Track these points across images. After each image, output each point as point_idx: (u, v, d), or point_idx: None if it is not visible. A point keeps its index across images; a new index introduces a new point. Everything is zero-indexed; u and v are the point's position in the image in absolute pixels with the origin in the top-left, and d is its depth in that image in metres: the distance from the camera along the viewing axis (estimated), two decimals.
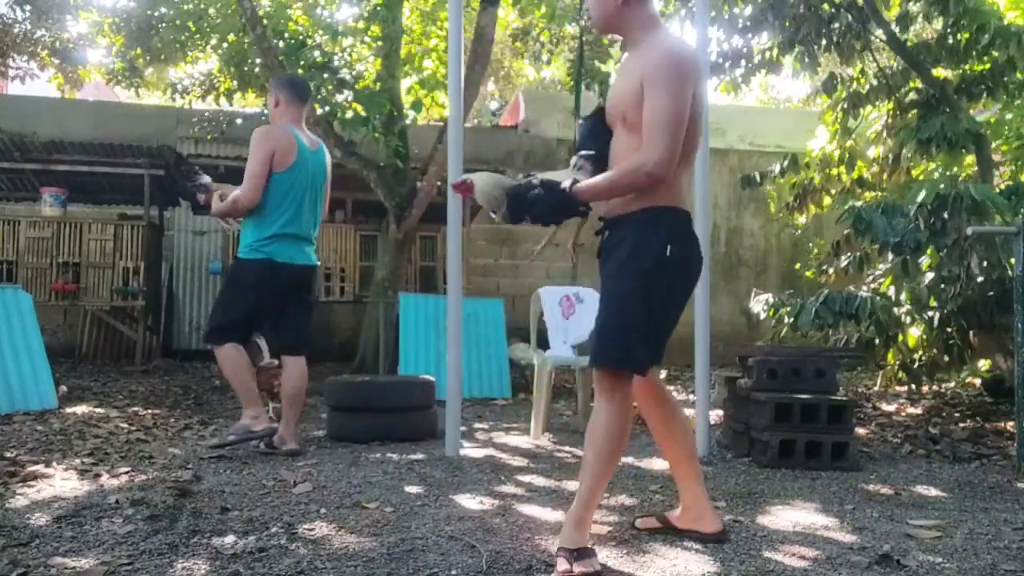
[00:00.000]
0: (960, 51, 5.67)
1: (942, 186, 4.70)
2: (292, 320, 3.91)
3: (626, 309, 2.29)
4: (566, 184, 2.35)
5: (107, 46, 10.13)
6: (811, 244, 8.86)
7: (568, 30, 10.33)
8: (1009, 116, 6.34)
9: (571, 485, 3.25)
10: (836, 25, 6.10)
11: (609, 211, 2.41)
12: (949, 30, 5.68)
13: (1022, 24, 5.63)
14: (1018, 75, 5.47)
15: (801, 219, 7.49)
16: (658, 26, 2.39)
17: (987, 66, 5.67)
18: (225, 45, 8.78)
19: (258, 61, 8.32)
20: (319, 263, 4.04)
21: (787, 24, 6.13)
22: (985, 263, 4.60)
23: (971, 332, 5.15)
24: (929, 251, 4.83)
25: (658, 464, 3.80)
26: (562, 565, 2.12)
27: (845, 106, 6.70)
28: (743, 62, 6.64)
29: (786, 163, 6.99)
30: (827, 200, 7.09)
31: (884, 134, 6.64)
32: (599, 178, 2.33)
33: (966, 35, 5.52)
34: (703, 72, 2.37)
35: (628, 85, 2.30)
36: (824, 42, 6.18)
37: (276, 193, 3.74)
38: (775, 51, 6.48)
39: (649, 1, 2.40)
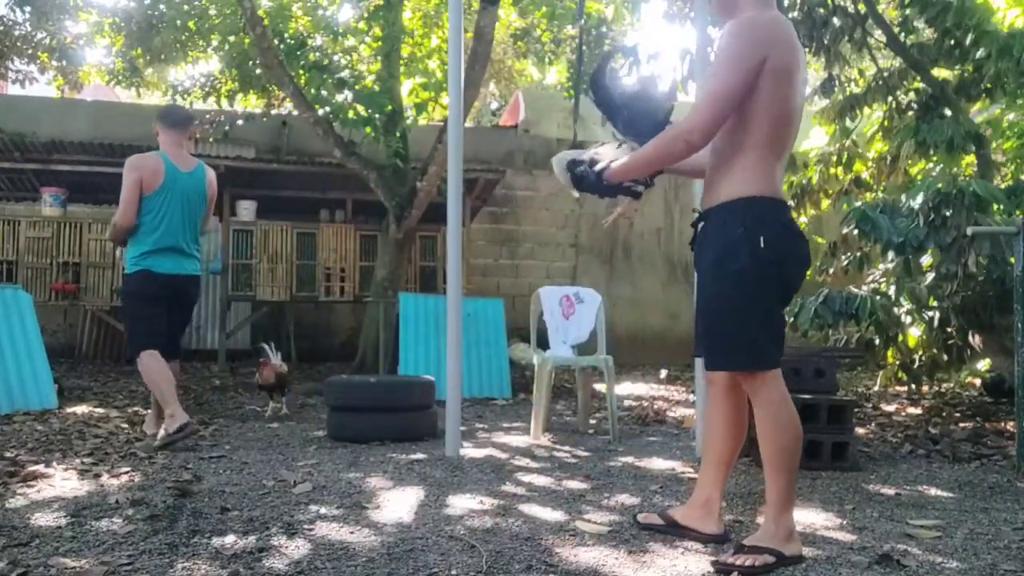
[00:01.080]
0: (957, 54, 5.67)
1: (940, 184, 4.70)
2: (170, 327, 4.29)
3: (726, 311, 2.26)
4: (601, 166, 2.37)
5: (107, 46, 10.13)
6: (819, 240, 8.84)
7: (569, 31, 10.33)
8: (1012, 116, 6.35)
9: (571, 485, 3.26)
10: (828, 28, 6.10)
11: (704, 202, 2.36)
12: (943, 38, 5.68)
13: (1012, 26, 5.62)
14: (1009, 81, 5.47)
15: (803, 219, 7.49)
16: (763, 8, 2.30)
17: (970, 69, 5.66)
18: (226, 46, 8.77)
19: (258, 61, 8.33)
20: (200, 273, 4.43)
21: None
22: (987, 261, 4.59)
23: (971, 332, 5.15)
24: (931, 250, 4.83)
25: (658, 464, 3.80)
26: (767, 559, 2.14)
27: (843, 107, 6.70)
28: None
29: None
30: (825, 201, 7.09)
31: (882, 134, 6.64)
32: (633, 154, 2.30)
33: (953, 41, 5.52)
34: (784, 40, 2.22)
35: None
36: (815, 45, 6.18)
37: (148, 213, 4.18)
38: None
39: None
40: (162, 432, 3.96)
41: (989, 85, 5.53)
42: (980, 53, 5.22)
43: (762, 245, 2.20)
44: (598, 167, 2.38)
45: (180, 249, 4.26)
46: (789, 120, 2.27)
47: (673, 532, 2.51)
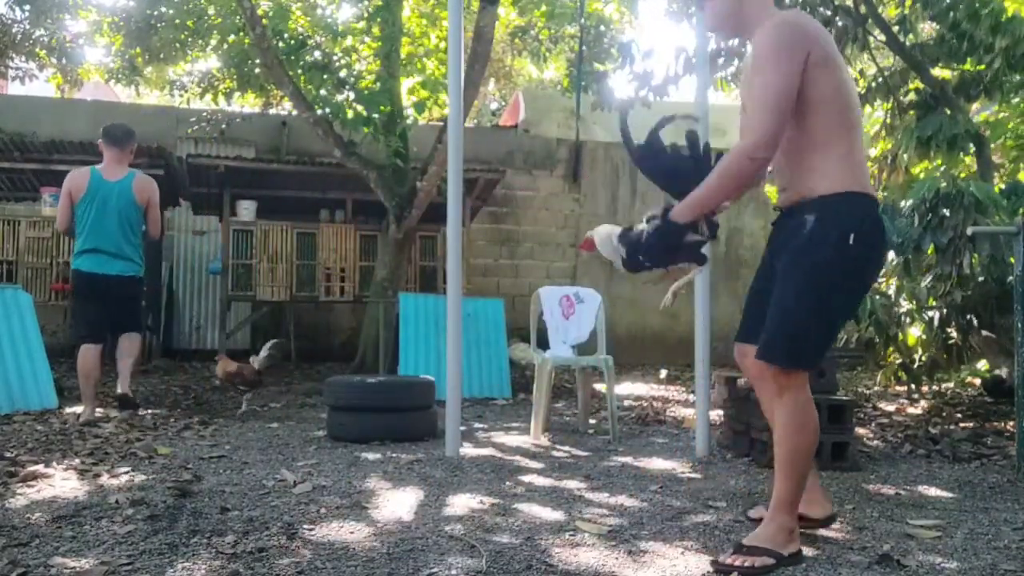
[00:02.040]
0: (959, 52, 5.67)
1: (943, 183, 4.70)
2: (117, 319, 4.83)
3: (798, 307, 2.21)
4: (657, 211, 2.27)
5: (106, 45, 10.13)
6: None
7: (568, 29, 10.33)
8: (1004, 114, 6.34)
9: (571, 485, 3.26)
10: (831, 28, 6.10)
11: (785, 200, 2.32)
12: (949, 32, 5.67)
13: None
14: (1016, 75, 5.46)
15: None
16: (772, 16, 2.30)
17: (982, 67, 5.66)
18: (225, 45, 8.78)
19: (258, 61, 8.33)
20: (133, 273, 4.82)
21: None
22: (988, 262, 4.59)
23: (971, 332, 5.15)
24: (930, 250, 4.83)
25: (658, 464, 3.80)
26: (765, 560, 2.14)
27: None
28: (736, 61, 6.64)
29: None
30: None
31: (883, 134, 6.64)
32: (697, 188, 2.22)
33: (956, 37, 5.50)
34: (819, 32, 2.23)
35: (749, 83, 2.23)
36: None
37: (78, 220, 4.73)
38: None
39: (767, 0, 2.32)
40: (83, 417, 4.56)
41: (998, 75, 5.49)
42: (1000, 42, 5.17)
43: (851, 242, 2.16)
44: (656, 211, 2.27)
45: (106, 251, 4.67)
46: (849, 106, 2.24)
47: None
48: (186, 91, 9.93)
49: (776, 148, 2.16)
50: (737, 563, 2.15)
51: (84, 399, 4.66)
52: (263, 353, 5.96)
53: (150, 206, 4.83)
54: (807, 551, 2.32)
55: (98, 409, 4.92)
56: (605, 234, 2.46)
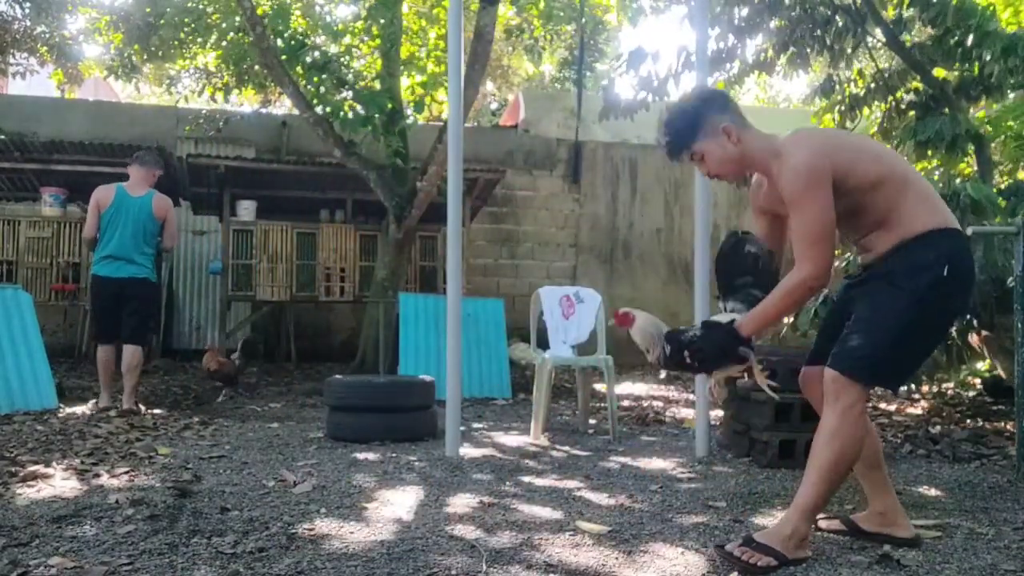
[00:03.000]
0: (957, 54, 5.67)
1: (939, 185, 4.70)
2: (124, 320, 5.16)
3: (889, 324, 2.22)
4: (724, 318, 2.35)
5: (106, 44, 10.14)
6: None
7: (566, 28, 10.33)
8: (1004, 113, 6.34)
9: (571, 484, 3.26)
10: (831, 27, 6.10)
11: (867, 258, 2.36)
12: (943, 37, 5.67)
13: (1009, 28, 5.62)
14: (1011, 80, 5.45)
15: None
16: (770, 140, 2.37)
17: (975, 70, 5.65)
18: (224, 43, 8.77)
19: (258, 61, 8.33)
20: (145, 275, 5.23)
21: (781, 24, 6.13)
22: (981, 262, 4.59)
23: (971, 332, 5.15)
24: None
25: (657, 463, 3.80)
26: (769, 561, 2.14)
27: (843, 108, 6.69)
28: (736, 62, 6.64)
29: None
30: None
31: (881, 135, 6.63)
32: (760, 306, 2.29)
33: (953, 41, 5.51)
34: (833, 141, 2.35)
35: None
36: (817, 45, 6.17)
37: (101, 230, 5.23)
38: (769, 52, 6.48)
39: (747, 123, 2.39)
40: (101, 403, 5.11)
41: (993, 81, 5.49)
42: (986, 56, 5.20)
43: (946, 273, 2.19)
44: (723, 319, 2.35)
45: (121, 257, 5.16)
46: (888, 178, 2.27)
47: (858, 536, 2.48)
48: (185, 88, 9.93)
49: (829, 272, 2.23)
50: (744, 556, 2.15)
51: (102, 388, 5.21)
52: (236, 354, 6.34)
53: (167, 221, 5.36)
54: (808, 551, 2.32)
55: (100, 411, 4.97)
56: (648, 323, 2.51)
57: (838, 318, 2.42)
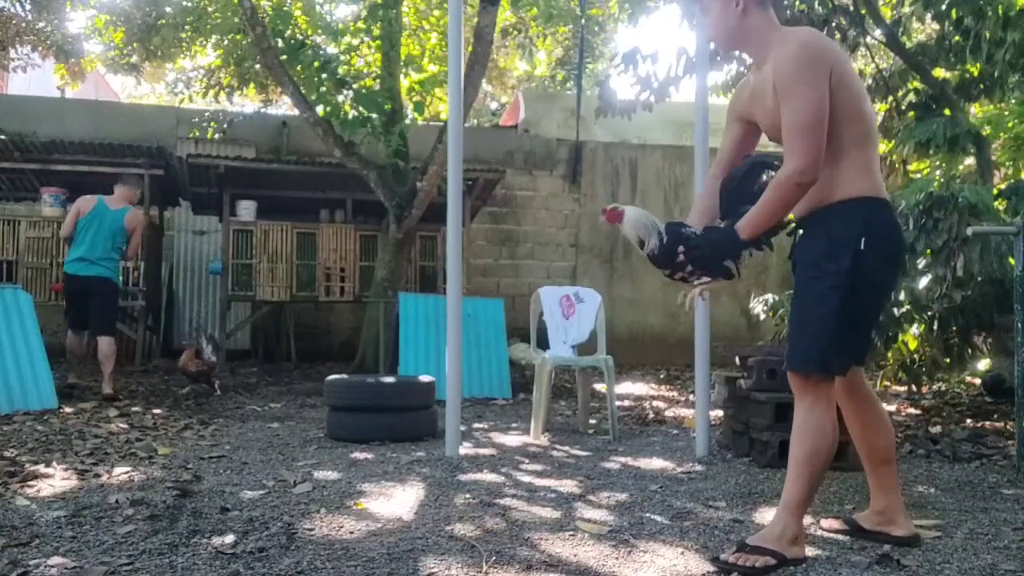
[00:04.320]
0: (961, 51, 5.66)
1: (935, 185, 4.69)
2: (91, 314, 5.90)
3: (819, 312, 2.23)
4: (726, 223, 2.33)
5: (106, 44, 10.14)
6: None
7: (563, 28, 10.32)
8: (1005, 112, 6.34)
9: (571, 484, 3.26)
10: (827, 28, 6.09)
11: (802, 211, 2.33)
12: (953, 30, 5.66)
13: None
14: (1015, 75, 5.44)
15: None
16: (779, 31, 2.33)
17: (975, 70, 5.64)
18: (225, 43, 8.78)
19: (258, 59, 8.33)
20: (106, 275, 5.92)
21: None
22: (984, 264, 4.59)
23: (971, 332, 5.15)
24: (928, 252, 4.83)
25: (657, 463, 3.80)
26: (768, 561, 2.14)
27: None
28: (735, 63, 6.64)
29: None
30: None
31: (881, 135, 6.63)
32: (752, 208, 2.27)
33: (957, 38, 5.49)
34: (835, 49, 2.28)
35: (772, 104, 2.26)
36: None
37: (78, 232, 5.93)
38: None
39: (767, 7, 2.34)
40: (69, 380, 5.91)
41: (995, 81, 5.46)
42: (1012, 36, 5.13)
43: (862, 247, 2.20)
44: (723, 223, 2.32)
45: (90, 259, 5.86)
46: (865, 117, 2.28)
47: (859, 536, 2.48)
48: (187, 88, 9.93)
49: (819, 168, 2.18)
50: (740, 562, 2.15)
51: (70, 368, 5.98)
52: (207, 348, 6.48)
53: (134, 233, 6.11)
54: (808, 551, 2.32)
55: (98, 410, 4.97)
56: (638, 215, 2.46)
57: None
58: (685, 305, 2.53)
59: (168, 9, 9.06)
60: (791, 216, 2.38)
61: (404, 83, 8.75)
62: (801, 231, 2.39)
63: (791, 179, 2.18)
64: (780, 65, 2.23)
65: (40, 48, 10.43)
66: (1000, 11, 5.19)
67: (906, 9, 5.97)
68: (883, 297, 2.37)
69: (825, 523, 2.60)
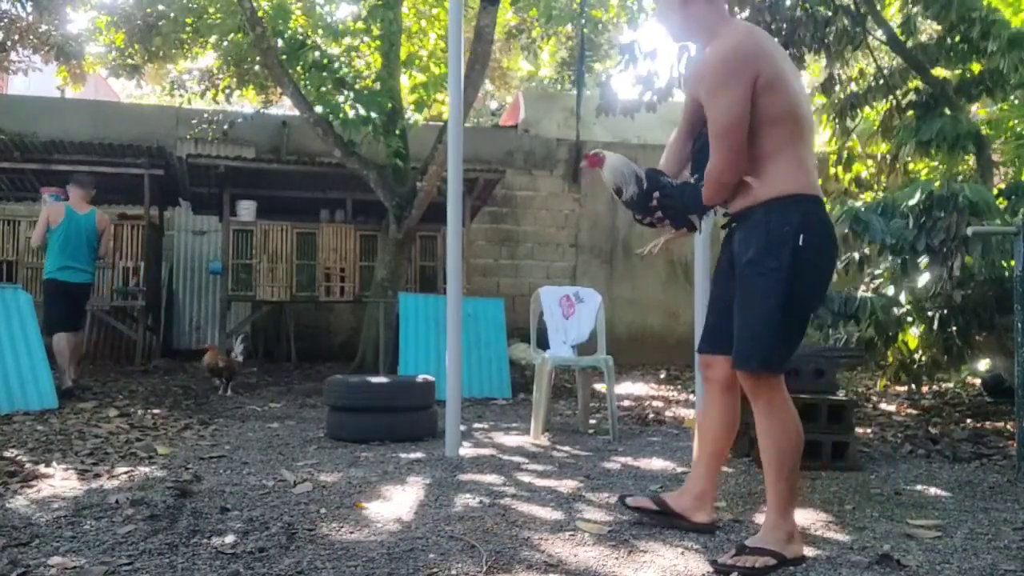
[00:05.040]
0: (960, 52, 5.66)
1: (936, 184, 4.69)
2: (76, 316, 6.32)
3: (765, 308, 2.26)
4: (695, 178, 2.46)
5: (107, 44, 10.14)
6: None
7: (565, 28, 10.32)
8: (1006, 112, 6.33)
9: (571, 484, 3.26)
10: (831, 28, 6.09)
11: (737, 206, 2.38)
12: (948, 33, 5.67)
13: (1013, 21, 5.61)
14: (1017, 73, 5.44)
15: None
16: (727, 23, 2.38)
17: (980, 66, 5.64)
18: (225, 43, 8.78)
19: (258, 59, 8.33)
20: (88, 281, 6.31)
21: (782, 26, 6.13)
22: (984, 263, 4.59)
23: (971, 332, 5.14)
24: (927, 252, 4.83)
25: (657, 463, 3.80)
26: (767, 561, 2.15)
27: (843, 107, 6.69)
28: None
29: None
30: (826, 201, 7.07)
31: (882, 134, 6.63)
32: (704, 184, 2.39)
33: (958, 37, 5.50)
34: (769, 52, 2.30)
35: (702, 94, 2.33)
36: (816, 45, 6.17)
37: (53, 241, 6.17)
38: None
39: (718, 6, 2.39)
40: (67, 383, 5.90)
41: (1002, 72, 5.45)
42: (991, 47, 5.18)
43: (801, 243, 2.23)
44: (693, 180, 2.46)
45: (75, 266, 6.16)
46: (797, 118, 2.31)
47: (662, 517, 2.55)
48: (187, 91, 9.93)
49: (740, 167, 2.26)
50: (739, 563, 2.16)
51: (67, 371, 6.03)
52: (238, 348, 6.84)
53: (104, 234, 6.40)
54: (807, 551, 2.32)
55: (98, 410, 4.97)
56: (618, 161, 2.57)
57: (724, 292, 2.47)
58: (644, 251, 2.72)
59: (162, 7, 9.05)
60: (727, 210, 2.46)
61: (405, 84, 8.76)
62: (736, 225, 2.43)
63: (714, 177, 2.29)
64: (709, 63, 2.31)
65: (42, 51, 10.43)
66: (982, 19, 5.21)
67: (911, 9, 5.97)
68: (821, 293, 2.42)
69: (631, 500, 2.64)
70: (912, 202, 4.65)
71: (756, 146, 2.27)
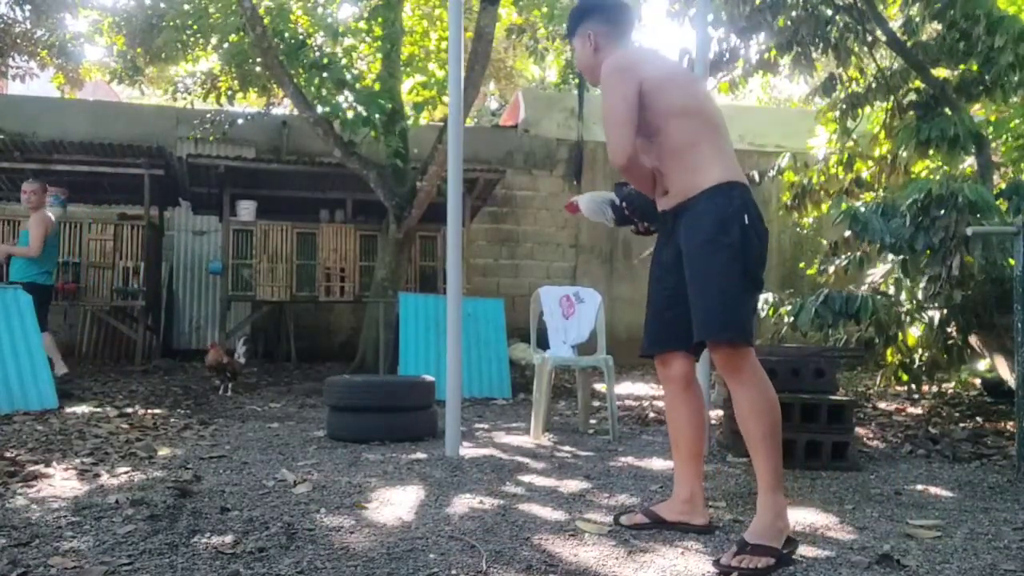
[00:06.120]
0: (960, 52, 5.65)
1: (935, 184, 4.69)
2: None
3: (727, 281, 2.35)
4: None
5: (107, 46, 10.13)
6: (821, 239, 8.82)
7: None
8: (1005, 113, 6.33)
9: (571, 484, 3.26)
10: (833, 27, 6.09)
11: (671, 202, 2.52)
12: (948, 32, 5.66)
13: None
14: (1016, 75, 5.43)
15: (808, 219, 7.47)
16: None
17: (975, 68, 5.63)
18: (226, 45, 8.78)
19: (258, 61, 8.33)
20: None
21: (783, 24, 6.13)
22: (984, 262, 4.59)
23: (971, 332, 5.14)
24: (928, 251, 4.83)
25: (658, 464, 3.80)
26: (768, 561, 2.17)
27: (844, 107, 6.69)
28: (740, 62, 6.63)
29: (783, 163, 6.97)
30: (826, 202, 7.07)
31: (883, 134, 6.62)
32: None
33: (957, 36, 5.49)
34: (650, 60, 2.58)
35: None
36: (821, 44, 6.17)
37: (50, 249, 6.68)
38: (772, 52, 6.47)
39: (621, 41, 2.65)
40: (60, 372, 6.31)
41: (999, 79, 5.45)
42: (997, 42, 5.16)
43: (746, 222, 2.37)
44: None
45: (52, 271, 6.76)
46: (702, 111, 2.50)
47: (661, 528, 2.55)
48: (189, 94, 9.93)
49: (626, 154, 2.44)
50: (744, 564, 2.16)
51: (58, 363, 6.46)
52: (241, 349, 6.88)
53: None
54: (807, 551, 2.33)
55: (96, 409, 4.98)
56: (588, 199, 2.85)
57: (672, 288, 2.55)
58: (644, 256, 2.97)
59: (163, 6, 9.04)
60: (660, 207, 2.60)
61: (406, 84, 8.76)
62: (677, 219, 2.51)
63: (613, 164, 2.50)
64: (602, 73, 2.55)
65: (38, 57, 10.43)
66: (988, 14, 5.20)
67: (913, 10, 5.96)
68: (763, 269, 2.48)
69: (625, 519, 2.63)
70: (909, 201, 4.64)
71: (671, 136, 2.47)
